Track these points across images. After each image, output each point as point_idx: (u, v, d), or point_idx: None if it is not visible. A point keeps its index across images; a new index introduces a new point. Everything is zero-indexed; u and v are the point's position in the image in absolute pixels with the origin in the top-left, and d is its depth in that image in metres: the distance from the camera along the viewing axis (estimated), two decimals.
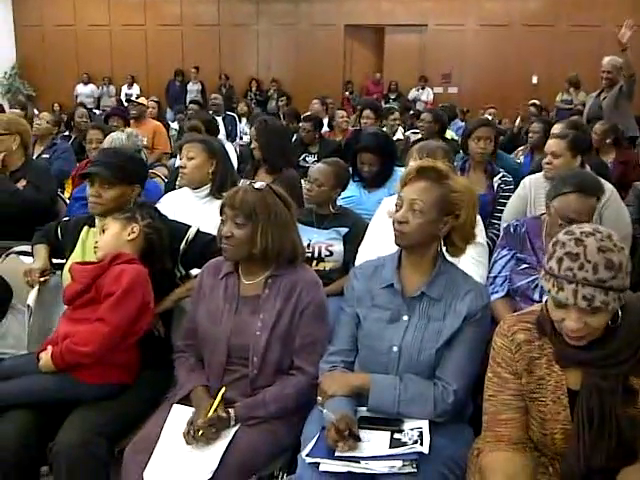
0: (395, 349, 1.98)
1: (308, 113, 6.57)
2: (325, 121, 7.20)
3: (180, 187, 3.69)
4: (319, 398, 1.98)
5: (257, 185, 2.13)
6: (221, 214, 2.13)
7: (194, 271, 2.53)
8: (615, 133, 5.15)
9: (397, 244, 2.03)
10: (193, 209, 3.09)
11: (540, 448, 1.73)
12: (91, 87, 14.04)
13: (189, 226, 2.53)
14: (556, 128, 3.92)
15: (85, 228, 2.56)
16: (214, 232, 2.20)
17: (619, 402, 1.56)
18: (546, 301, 1.60)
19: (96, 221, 2.53)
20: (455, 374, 1.92)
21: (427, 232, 1.98)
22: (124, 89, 13.68)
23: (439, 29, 13.15)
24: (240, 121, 8.89)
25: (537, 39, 12.37)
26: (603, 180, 2.73)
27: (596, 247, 1.47)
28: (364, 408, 1.96)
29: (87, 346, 2.09)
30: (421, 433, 1.82)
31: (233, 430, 1.99)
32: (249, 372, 2.09)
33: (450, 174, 2.02)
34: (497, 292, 2.64)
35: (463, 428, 2.01)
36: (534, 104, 8.57)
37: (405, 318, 2.00)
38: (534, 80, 12.67)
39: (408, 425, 1.87)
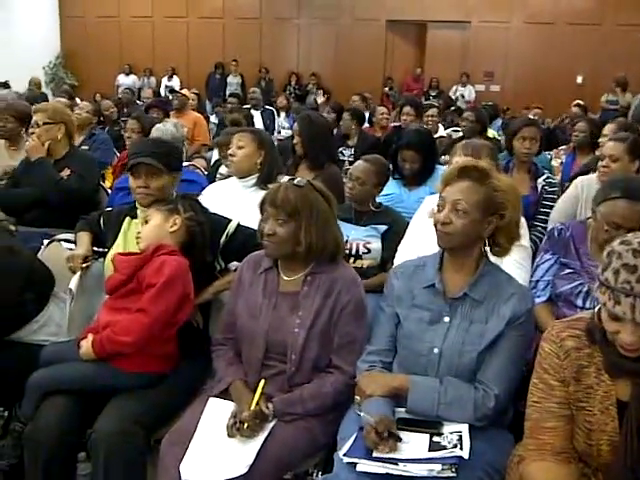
0: (436, 351, 1.95)
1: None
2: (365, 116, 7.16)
3: (223, 178, 3.71)
4: (357, 397, 1.96)
5: (297, 182, 2.11)
6: (261, 211, 2.12)
7: (233, 264, 2.53)
8: None
9: (440, 246, 2.00)
10: (238, 198, 3.10)
11: (584, 459, 1.68)
12: (132, 78, 14.21)
13: (230, 220, 2.53)
14: (609, 129, 3.76)
15: (127, 219, 2.57)
16: (257, 222, 2.18)
17: None
18: (599, 310, 1.56)
19: (138, 212, 2.55)
20: (497, 378, 1.89)
21: (471, 233, 1.94)
22: (164, 81, 13.83)
23: (483, 26, 12.97)
24: (279, 115, 8.86)
25: (583, 38, 12.14)
26: None
27: None
28: (402, 409, 1.93)
29: (128, 336, 2.11)
30: (460, 437, 1.79)
31: (270, 425, 1.99)
32: (287, 368, 2.08)
33: (493, 173, 1.98)
34: (539, 297, 2.57)
35: (502, 434, 1.97)
36: (578, 104, 8.39)
37: (446, 319, 1.97)
38: (579, 80, 12.43)
39: (447, 428, 1.85)
